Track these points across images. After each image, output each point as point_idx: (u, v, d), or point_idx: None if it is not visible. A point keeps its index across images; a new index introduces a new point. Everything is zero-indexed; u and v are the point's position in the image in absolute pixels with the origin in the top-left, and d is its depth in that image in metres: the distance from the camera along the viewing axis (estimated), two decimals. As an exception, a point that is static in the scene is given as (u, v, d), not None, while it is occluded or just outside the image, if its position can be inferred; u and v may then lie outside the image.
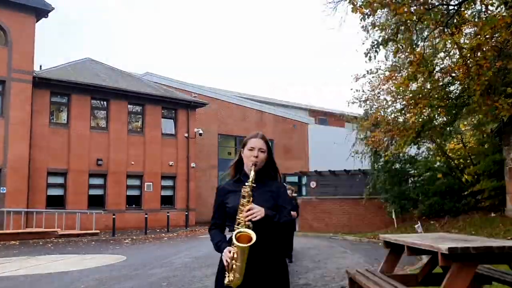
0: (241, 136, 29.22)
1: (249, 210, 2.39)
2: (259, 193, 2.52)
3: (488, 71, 8.95)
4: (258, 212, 2.39)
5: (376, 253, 11.16)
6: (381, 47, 9.66)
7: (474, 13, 10.42)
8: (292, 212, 7.49)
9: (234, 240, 2.33)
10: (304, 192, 23.51)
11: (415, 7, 8.50)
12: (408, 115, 13.26)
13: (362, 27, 9.98)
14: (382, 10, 9.80)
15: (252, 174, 2.51)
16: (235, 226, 2.42)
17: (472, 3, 9.03)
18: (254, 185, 2.48)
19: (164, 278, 8.06)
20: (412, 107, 12.32)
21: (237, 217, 2.43)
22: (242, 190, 2.46)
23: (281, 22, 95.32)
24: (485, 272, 4.72)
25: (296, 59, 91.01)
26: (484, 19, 9.09)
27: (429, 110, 12.14)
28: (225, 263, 2.41)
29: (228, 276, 2.39)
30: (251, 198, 2.44)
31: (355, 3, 8.83)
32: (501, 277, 4.56)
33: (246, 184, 2.47)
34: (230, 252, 2.38)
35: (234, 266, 2.34)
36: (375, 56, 9.81)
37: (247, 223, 2.38)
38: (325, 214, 19.83)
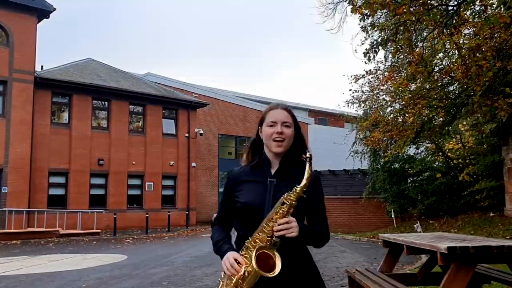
0: (241, 136, 29.27)
1: (285, 223, 1.78)
2: (281, 187, 1.92)
3: (488, 72, 8.99)
4: (295, 228, 1.79)
5: (376, 253, 11.21)
6: (380, 47, 9.70)
7: (473, 13, 10.45)
8: None
9: (253, 262, 1.74)
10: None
11: (414, 8, 8.54)
12: (407, 115, 13.30)
13: (362, 27, 10.00)
14: (382, 11, 9.82)
15: (307, 173, 1.83)
16: (256, 234, 1.82)
17: (471, 4, 9.06)
18: (304, 195, 1.83)
19: (165, 277, 8.12)
20: (411, 107, 12.35)
21: (264, 224, 1.81)
22: (285, 196, 1.82)
23: (281, 22, 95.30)
24: (484, 272, 4.74)
25: (295, 59, 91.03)
26: (483, 19, 9.13)
27: (428, 110, 12.18)
28: (226, 272, 1.85)
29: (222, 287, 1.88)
30: (292, 209, 1.81)
31: (355, 4, 8.87)
32: (500, 276, 4.57)
33: (296, 189, 1.81)
34: (237, 262, 1.81)
35: (238, 287, 1.80)
36: (374, 57, 9.87)
37: (274, 238, 1.78)
38: (325, 213, 19.85)
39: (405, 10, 8.25)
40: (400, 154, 16.39)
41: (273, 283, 1.79)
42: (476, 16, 10.31)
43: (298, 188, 1.81)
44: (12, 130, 18.37)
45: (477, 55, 9.44)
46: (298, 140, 2.03)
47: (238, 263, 1.81)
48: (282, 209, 1.80)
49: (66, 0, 49.12)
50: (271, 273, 1.74)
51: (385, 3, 8.36)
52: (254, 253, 1.75)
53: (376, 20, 10.73)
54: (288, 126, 1.98)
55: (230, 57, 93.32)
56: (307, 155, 1.87)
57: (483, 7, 9.72)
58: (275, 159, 2.01)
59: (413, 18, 8.57)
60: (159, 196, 23.19)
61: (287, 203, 1.80)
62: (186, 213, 22.93)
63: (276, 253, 1.76)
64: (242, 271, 1.78)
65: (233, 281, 1.80)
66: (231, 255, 1.85)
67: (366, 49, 9.67)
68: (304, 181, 1.82)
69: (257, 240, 1.81)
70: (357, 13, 8.89)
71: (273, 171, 2.00)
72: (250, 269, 1.76)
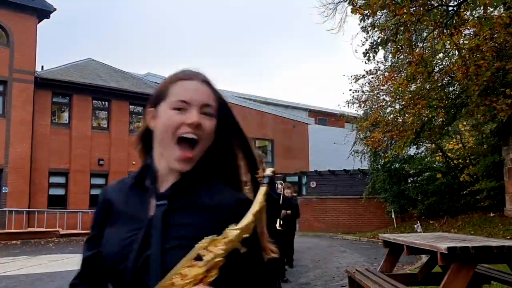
0: (241, 136, 29.25)
1: None
2: (179, 219, 1.00)
3: (487, 72, 9.00)
4: None
5: (376, 253, 11.21)
6: (380, 47, 9.72)
7: (473, 13, 10.47)
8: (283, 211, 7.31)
9: None
10: (304, 192, 23.54)
11: (414, 8, 8.55)
12: (407, 115, 13.31)
13: (362, 27, 10.03)
14: (382, 11, 9.84)
15: (258, 203, 0.96)
16: None
17: (471, 4, 9.07)
18: (244, 248, 0.92)
19: (166, 278, 8.10)
20: (411, 107, 12.37)
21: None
22: (202, 244, 0.90)
23: (281, 22, 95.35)
24: (484, 272, 4.75)
25: (295, 59, 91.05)
26: (483, 19, 9.14)
27: (428, 110, 12.20)
28: None
29: None
30: (214, 273, 0.89)
31: (355, 4, 8.88)
32: (500, 276, 4.58)
33: (229, 232, 0.92)
34: None
35: None
36: (374, 57, 9.89)
37: None
38: (325, 213, 19.88)
39: (405, 11, 8.27)
40: (400, 154, 16.41)
41: None
42: (476, 16, 10.33)
43: (235, 233, 0.91)
44: (12, 130, 18.36)
45: (477, 55, 9.46)
46: (224, 133, 1.10)
47: None
48: (194, 268, 0.89)
49: (66, 0, 49.15)
50: None
51: (385, 4, 8.37)
52: None
53: (376, 20, 10.75)
54: (209, 115, 1.05)
55: (230, 57, 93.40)
56: (268, 172, 1.04)
57: (482, 7, 9.73)
58: (170, 170, 1.05)
59: (413, 18, 8.59)
60: (159, 196, 23.17)
61: (207, 258, 0.89)
62: (186, 213, 22.90)
63: None
64: None
65: None
66: None
67: (366, 49, 9.68)
68: (248, 218, 0.94)
69: None
70: (357, 13, 8.91)
71: (163, 188, 1.05)
72: None
